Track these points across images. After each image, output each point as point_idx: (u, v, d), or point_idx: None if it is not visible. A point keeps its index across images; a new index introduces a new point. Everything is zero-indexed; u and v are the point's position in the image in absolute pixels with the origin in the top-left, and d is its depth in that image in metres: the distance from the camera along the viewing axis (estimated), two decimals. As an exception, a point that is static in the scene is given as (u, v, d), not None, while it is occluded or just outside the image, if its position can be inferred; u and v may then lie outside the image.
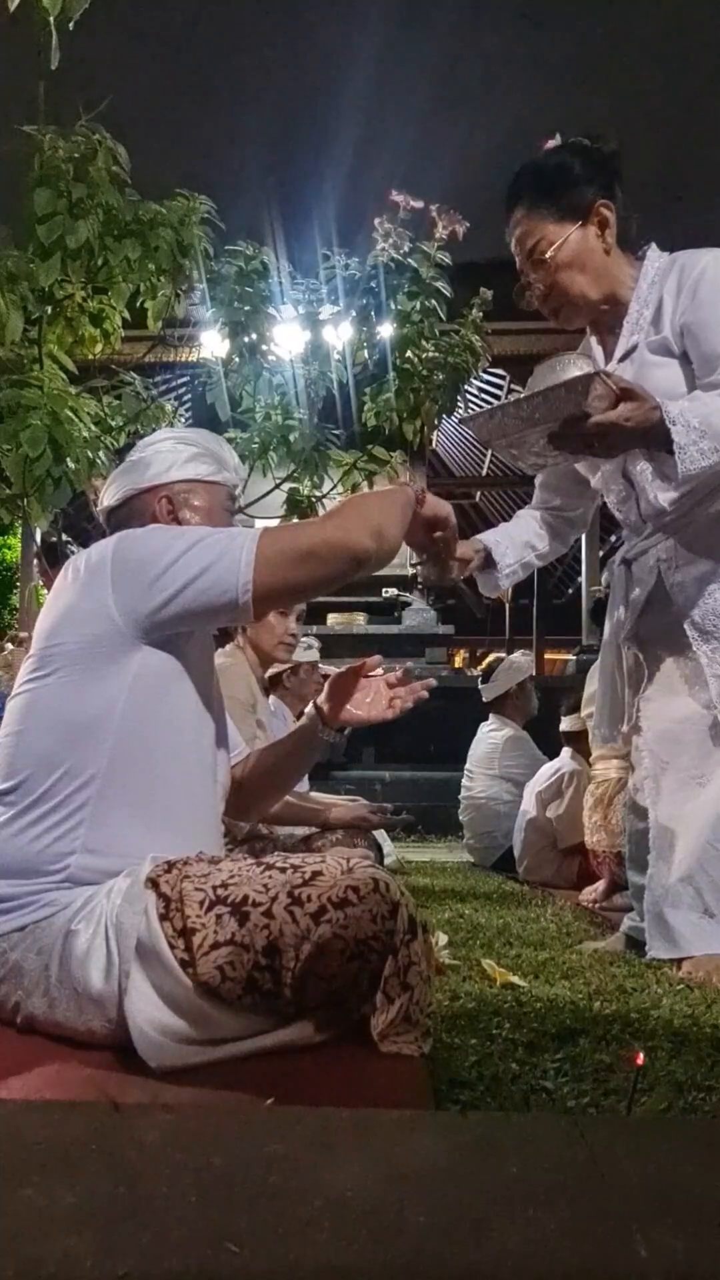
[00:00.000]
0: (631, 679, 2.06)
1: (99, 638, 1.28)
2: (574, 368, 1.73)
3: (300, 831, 2.42)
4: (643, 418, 1.67)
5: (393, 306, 3.33)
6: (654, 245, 1.92)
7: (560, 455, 1.83)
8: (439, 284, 3.31)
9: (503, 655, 4.83)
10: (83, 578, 1.33)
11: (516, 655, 5.00)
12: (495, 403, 1.94)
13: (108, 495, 1.53)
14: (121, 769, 1.27)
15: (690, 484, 1.76)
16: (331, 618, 8.09)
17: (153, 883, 1.18)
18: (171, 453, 1.50)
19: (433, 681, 1.62)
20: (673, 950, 1.80)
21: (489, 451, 10.87)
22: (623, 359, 1.93)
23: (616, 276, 1.90)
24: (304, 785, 2.88)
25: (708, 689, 1.84)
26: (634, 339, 1.90)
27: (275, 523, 3.70)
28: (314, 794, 2.89)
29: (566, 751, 3.78)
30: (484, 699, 4.42)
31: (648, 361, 1.88)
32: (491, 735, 4.32)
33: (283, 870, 1.17)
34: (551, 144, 1.93)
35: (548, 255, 1.86)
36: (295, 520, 2.45)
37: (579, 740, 3.64)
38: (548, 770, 3.77)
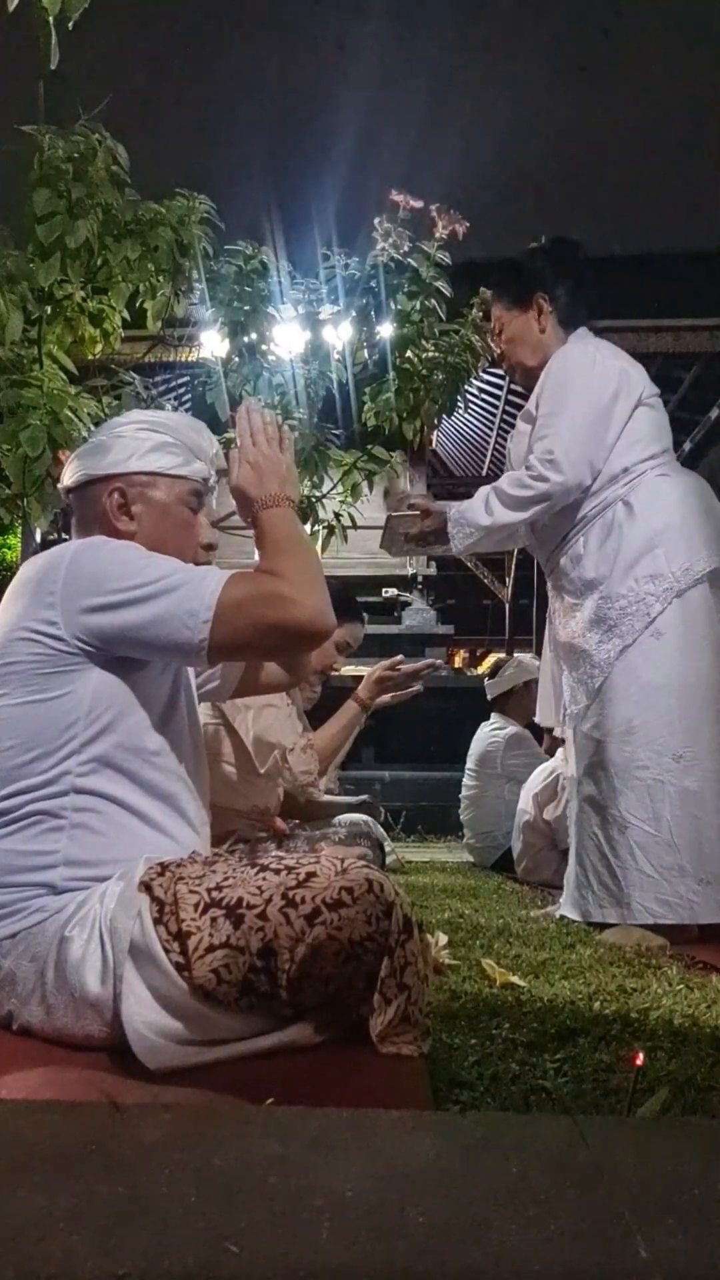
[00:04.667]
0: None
1: (48, 657, 1.26)
2: (394, 510, 2.55)
3: (304, 830, 2.43)
4: (434, 523, 2.41)
5: (393, 306, 3.32)
6: (583, 328, 2.45)
7: (430, 549, 2.56)
8: (439, 284, 3.31)
9: (503, 655, 4.83)
10: (32, 586, 1.30)
11: (527, 656, 4.99)
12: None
13: (67, 474, 1.46)
14: (94, 782, 1.26)
15: (470, 551, 2.44)
16: (331, 618, 8.05)
17: (146, 886, 1.17)
18: (133, 440, 1.41)
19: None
20: (574, 913, 2.29)
21: (488, 452, 10.88)
22: None
23: (550, 349, 2.42)
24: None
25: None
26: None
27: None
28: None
29: (561, 752, 3.77)
30: (488, 695, 4.41)
31: (518, 429, 2.52)
32: (494, 734, 4.31)
33: (277, 872, 1.17)
34: (532, 245, 2.55)
35: (499, 332, 2.52)
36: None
37: None
38: (542, 771, 3.76)
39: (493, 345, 2.62)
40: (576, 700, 2.30)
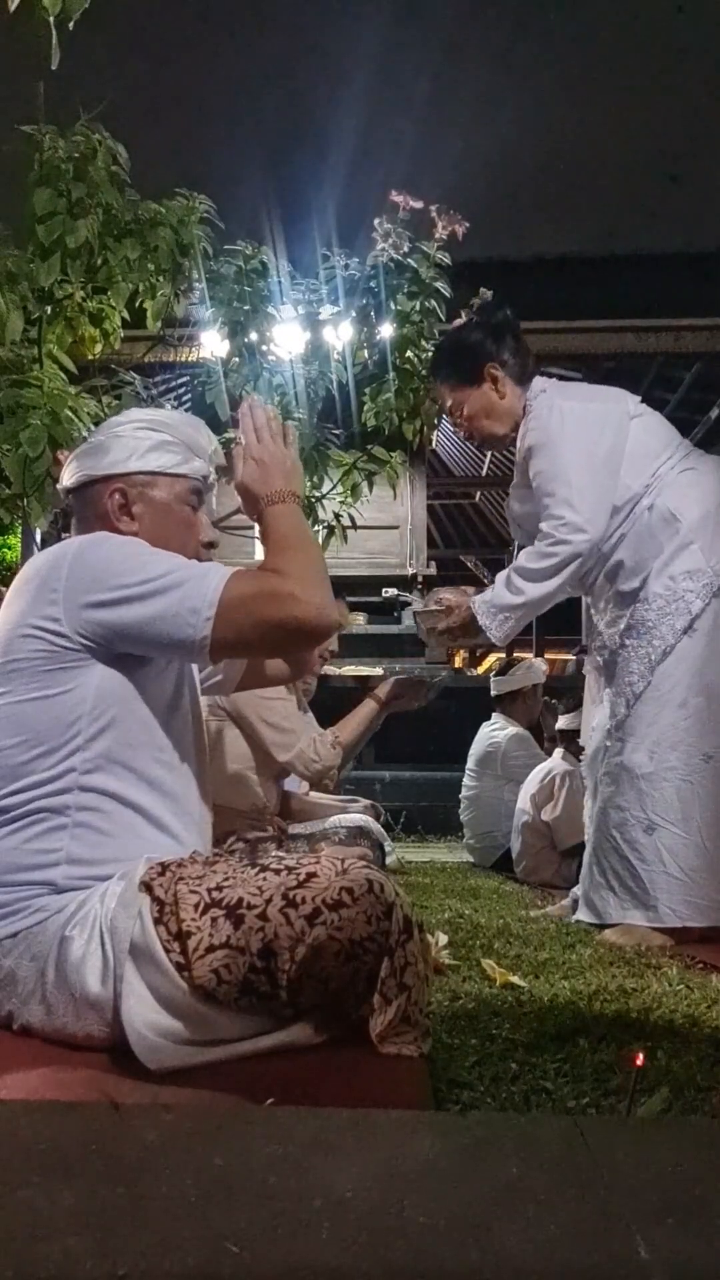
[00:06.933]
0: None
1: (51, 654, 1.26)
2: (419, 607, 2.51)
3: (304, 830, 2.43)
4: (460, 618, 2.35)
5: (392, 306, 3.32)
6: (538, 378, 2.43)
7: (460, 642, 2.58)
8: (439, 284, 3.31)
9: (502, 655, 4.83)
10: (36, 583, 1.30)
11: (536, 660, 5.00)
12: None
13: (66, 474, 1.46)
14: (98, 779, 1.26)
15: (511, 636, 2.37)
16: (332, 618, 8.06)
17: (146, 886, 1.17)
18: (132, 439, 1.41)
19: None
20: (590, 916, 2.25)
21: (488, 452, 10.88)
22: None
23: (516, 411, 2.41)
24: (304, 786, 2.88)
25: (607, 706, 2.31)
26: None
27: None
28: (313, 794, 2.89)
29: (558, 752, 3.77)
30: (494, 691, 4.41)
31: (512, 495, 2.51)
32: (495, 734, 4.31)
33: (277, 872, 1.17)
34: (457, 323, 2.59)
35: (460, 413, 2.45)
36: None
37: (575, 739, 3.64)
38: (540, 772, 3.76)
39: (454, 427, 2.56)
40: (616, 713, 2.26)
